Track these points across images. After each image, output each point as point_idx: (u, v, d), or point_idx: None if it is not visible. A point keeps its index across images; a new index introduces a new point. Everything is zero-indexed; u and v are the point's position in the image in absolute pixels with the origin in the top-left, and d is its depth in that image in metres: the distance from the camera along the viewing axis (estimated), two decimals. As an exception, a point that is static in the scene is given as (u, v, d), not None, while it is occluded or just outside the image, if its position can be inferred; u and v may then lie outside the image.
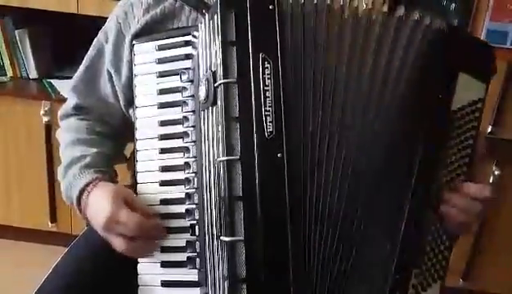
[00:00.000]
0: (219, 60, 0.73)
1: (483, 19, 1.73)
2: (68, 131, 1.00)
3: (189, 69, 0.83)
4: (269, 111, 0.72)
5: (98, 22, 1.02)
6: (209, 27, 0.77)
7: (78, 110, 1.03)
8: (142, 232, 0.80)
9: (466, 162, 0.83)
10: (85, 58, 1.01)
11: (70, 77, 1.04)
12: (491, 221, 1.91)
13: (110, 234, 0.82)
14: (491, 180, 1.83)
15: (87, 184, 0.87)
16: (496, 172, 1.83)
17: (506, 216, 1.90)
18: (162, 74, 0.86)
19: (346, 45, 0.76)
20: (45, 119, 1.94)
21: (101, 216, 0.81)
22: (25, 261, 1.99)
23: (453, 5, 1.74)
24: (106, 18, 0.99)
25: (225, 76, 0.73)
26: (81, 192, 0.87)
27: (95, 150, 0.94)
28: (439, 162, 0.80)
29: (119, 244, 0.82)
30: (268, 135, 0.72)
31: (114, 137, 1.02)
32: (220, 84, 0.73)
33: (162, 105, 0.85)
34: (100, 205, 0.82)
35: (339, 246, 0.76)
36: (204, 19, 0.79)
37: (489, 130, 1.81)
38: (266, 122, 0.72)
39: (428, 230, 0.81)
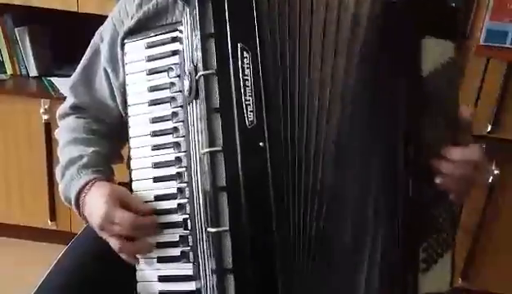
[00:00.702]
0: (199, 53, 0.74)
1: (483, 18, 1.72)
2: (66, 131, 1.00)
3: (177, 64, 0.84)
4: (249, 101, 0.72)
5: (98, 20, 1.02)
6: (191, 21, 0.77)
7: (76, 110, 1.03)
8: (136, 231, 0.81)
9: (451, 125, 0.79)
10: (83, 58, 1.02)
11: (70, 76, 1.04)
12: (490, 221, 1.90)
13: (105, 234, 0.83)
14: (490, 180, 1.82)
15: (84, 185, 0.88)
16: (496, 172, 1.82)
17: (506, 216, 1.89)
18: (152, 72, 0.87)
19: (320, 32, 0.74)
20: (44, 117, 1.95)
21: (96, 216, 0.82)
22: (25, 259, 1.99)
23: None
24: (106, 16, 0.99)
25: (204, 68, 0.73)
26: (79, 192, 0.88)
27: (92, 150, 0.94)
28: (423, 130, 0.77)
29: (114, 244, 0.83)
30: (249, 125, 0.72)
31: (111, 136, 1.02)
32: (200, 76, 0.74)
33: (152, 102, 0.86)
34: (96, 205, 0.83)
35: (327, 234, 0.76)
36: (186, 13, 0.79)
37: (489, 130, 1.80)
38: (246, 112, 0.72)
39: (427, 203, 0.79)
